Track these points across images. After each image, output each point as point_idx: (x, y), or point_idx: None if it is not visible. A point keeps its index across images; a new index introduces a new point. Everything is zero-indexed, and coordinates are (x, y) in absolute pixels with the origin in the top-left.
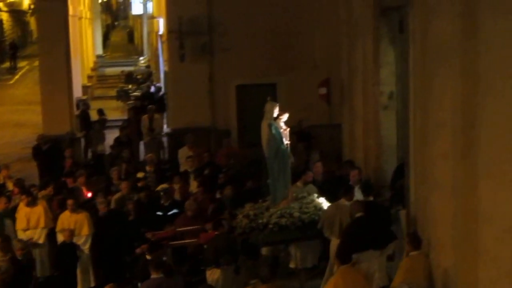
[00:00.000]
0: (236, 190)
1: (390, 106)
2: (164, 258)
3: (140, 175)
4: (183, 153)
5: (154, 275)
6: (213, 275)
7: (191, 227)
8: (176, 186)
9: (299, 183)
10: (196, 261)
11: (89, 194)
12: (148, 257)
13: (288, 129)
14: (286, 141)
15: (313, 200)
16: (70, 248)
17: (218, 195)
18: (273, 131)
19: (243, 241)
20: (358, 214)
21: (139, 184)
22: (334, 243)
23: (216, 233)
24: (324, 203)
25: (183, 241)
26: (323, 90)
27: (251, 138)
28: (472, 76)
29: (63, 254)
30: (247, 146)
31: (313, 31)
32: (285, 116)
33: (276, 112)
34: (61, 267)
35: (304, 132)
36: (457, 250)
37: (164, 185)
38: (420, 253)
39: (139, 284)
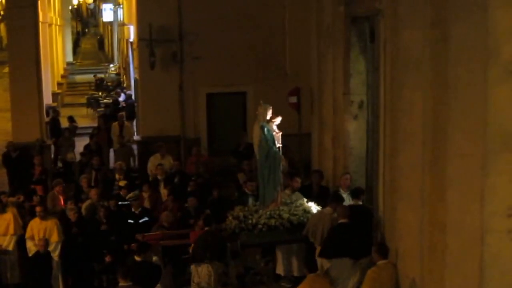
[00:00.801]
0: (201, 199)
1: (360, 116)
2: (155, 258)
3: (122, 183)
4: (155, 160)
5: (122, 283)
6: (201, 270)
7: (179, 231)
8: (146, 194)
9: (287, 190)
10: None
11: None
12: (137, 258)
13: (280, 133)
14: (278, 144)
15: (302, 204)
16: (44, 258)
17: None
18: (265, 133)
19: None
20: (342, 220)
21: (121, 192)
22: (318, 250)
23: (206, 229)
24: (313, 207)
25: (173, 241)
26: (293, 99)
27: (221, 146)
28: (441, 86)
29: (37, 264)
30: (217, 154)
31: (284, 40)
32: (278, 119)
33: (269, 115)
34: (33, 277)
35: None
36: (424, 260)
37: (134, 193)
38: (387, 263)
39: None
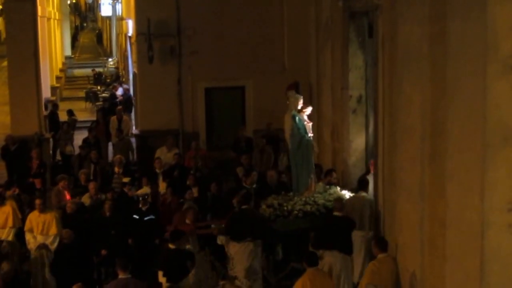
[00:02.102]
0: (200, 193)
1: (358, 110)
2: (188, 247)
3: (126, 180)
4: (161, 154)
5: (121, 275)
6: (233, 248)
7: (211, 222)
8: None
9: (321, 183)
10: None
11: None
12: (171, 246)
13: (311, 123)
14: (310, 133)
15: (335, 192)
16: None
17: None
18: (297, 122)
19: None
20: (336, 213)
21: (125, 189)
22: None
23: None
24: (347, 194)
25: (208, 230)
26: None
27: (219, 140)
28: (440, 81)
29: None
30: (215, 149)
31: (282, 34)
32: (308, 109)
33: (300, 104)
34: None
35: (273, 135)
36: (424, 254)
37: (144, 190)
38: (387, 256)
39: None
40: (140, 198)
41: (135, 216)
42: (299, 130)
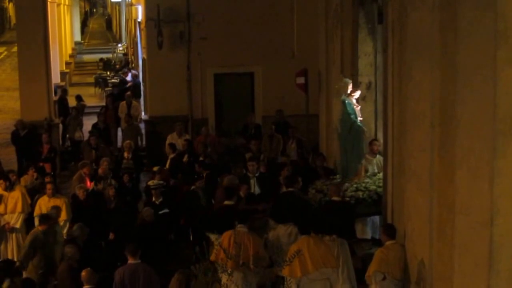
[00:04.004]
0: (209, 179)
1: (368, 97)
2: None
3: (155, 168)
4: (171, 139)
5: (131, 261)
6: (275, 231)
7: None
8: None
9: (368, 155)
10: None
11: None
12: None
13: (360, 107)
14: (359, 118)
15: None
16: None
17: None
18: (347, 107)
19: None
20: (335, 198)
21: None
22: None
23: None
24: None
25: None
26: (300, 80)
27: (228, 126)
28: (450, 68)
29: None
30: (224, 135)
31: (291, 20)
32: (357, 93)
33: (349, 89)
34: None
35: (282, 122)
36: (432, 241)
37: (155, 181)
38: (395, 243)
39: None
40: (152, 190)
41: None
42: (349, 115)
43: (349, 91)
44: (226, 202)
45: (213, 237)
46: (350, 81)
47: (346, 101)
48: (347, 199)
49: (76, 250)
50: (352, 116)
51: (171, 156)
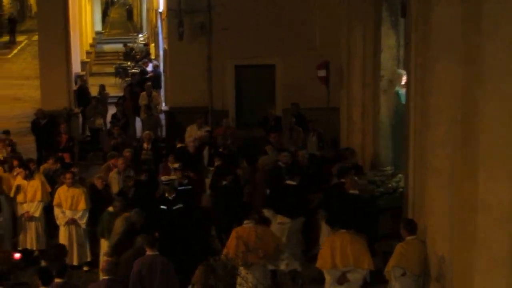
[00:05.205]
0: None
1: (389, 91)
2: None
3: (175, 165)
4: (191, 131)
5: (149, 252)
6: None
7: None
8: (173, 165)
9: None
10: None
11: None
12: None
13: None
14: None
15: None
16: None
17: None
18: (401, 98)
19: None
20: (352, 191)
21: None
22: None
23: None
24: None
25: None
26: (322, 73)
27: (248, 118)
28: (473, 62)
29: None
30: (244, 127)
31: (313, 12)
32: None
33: (403, 80)
34: None
35: (301, 115)
36: (453, 237)
37: (168, 177)
38: (415, 239)
39: None
40: (165, 186)
41: (162, 206)
42: (402, 106)
43: (402, 83)
44: (288, 182)
45: (269, 214)
46: (404, 72)
47: (400, 92)
48: (400, 190)
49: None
50: (405, 107)
51: (178, 145)
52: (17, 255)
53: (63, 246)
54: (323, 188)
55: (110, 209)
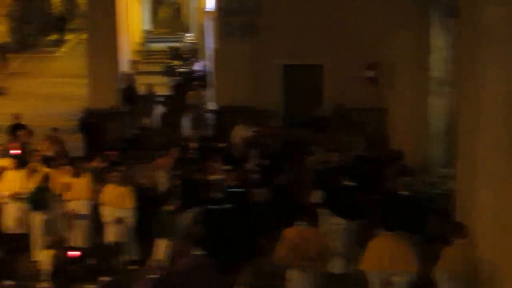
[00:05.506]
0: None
1: (439, 92)
2: None
3: (223, 166)
4: (238, 131)
5: (193, 252)
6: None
7: None
8: (221, 166)
9: None
10: None
11: None
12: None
13: None
14: None
15: None
16: None
17: None
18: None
19: None
20: (402, 192)
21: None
22: None
23: None
24: None
25: None
26: (370, 73)
27: (295, 119)
28: None
29: None
30: (291, 127)
31: (362, 12)
32: None
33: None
34: None
35: (347, 115)
36: (502, 241)
37: (216, 176)
38: (463, 243)
39: None
40: (213, 185)
41: (211, 206)
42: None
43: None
44: (346, 183)
45: (323, 215)
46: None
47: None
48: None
49: None
50: None
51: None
52: (74, 253)
53: (112, 244)
54: (377, 190)
55: (168, 207)
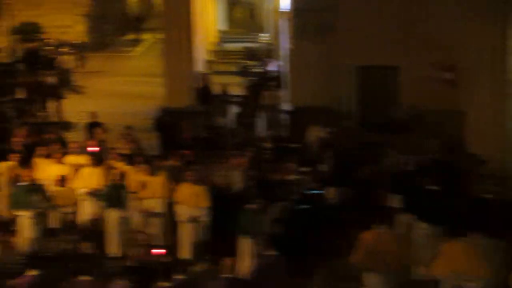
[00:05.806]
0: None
1: None
2: None
3: (305, 169)
4: (314, 131)
5: (267, 252)
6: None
7: None
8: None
9: None
10: None
11: None
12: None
13: None
14: None
15: None
16: None
17: None
18: None
19: None
20: (487, 196)
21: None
22: None
23: None
24: None
25: None
26: (448, 75)
27: (371, 120)
28: None
29: None
30: (367, 129)
31: (439, 14)
32: None
33: None
34: None
35: (421, 118)
36: None
37: (292, 177)
38: None
39: None
40: (288, 186)
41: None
42: None
43: None
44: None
45: (407, 220)
46: None
47: None
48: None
49: None
50: None
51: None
52: (160, 251)
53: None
54: (460, 195)
55: (252, 206)
